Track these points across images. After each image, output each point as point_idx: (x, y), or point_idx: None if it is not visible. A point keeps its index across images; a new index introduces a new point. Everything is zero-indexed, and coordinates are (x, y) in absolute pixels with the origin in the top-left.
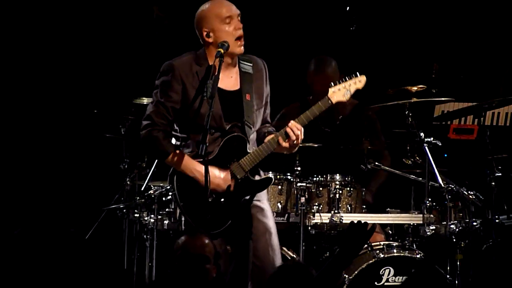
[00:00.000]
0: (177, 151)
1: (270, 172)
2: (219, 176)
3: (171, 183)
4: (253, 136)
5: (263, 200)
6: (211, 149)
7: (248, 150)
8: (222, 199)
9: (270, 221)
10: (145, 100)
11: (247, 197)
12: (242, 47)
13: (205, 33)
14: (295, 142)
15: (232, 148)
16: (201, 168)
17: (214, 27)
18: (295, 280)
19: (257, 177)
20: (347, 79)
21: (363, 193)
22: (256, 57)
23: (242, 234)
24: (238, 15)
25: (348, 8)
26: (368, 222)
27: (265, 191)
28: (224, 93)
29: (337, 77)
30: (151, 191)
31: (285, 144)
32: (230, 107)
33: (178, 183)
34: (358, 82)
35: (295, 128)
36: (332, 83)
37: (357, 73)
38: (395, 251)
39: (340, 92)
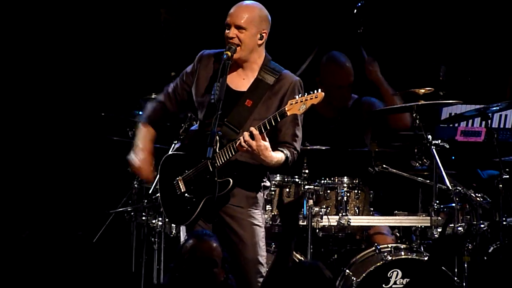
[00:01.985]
0: (148, 128)
1: (278, 175)
2: (146, 172)
3: (157, 171)
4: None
5: (244, 207)
6: (190, 142)
7: (217, 151)
8: (187, 194)
9: (246, 231)
10: (153, 96)
11: (211, 196)
12: (237, 53)
13: (264, 35)
14: (249, 149)
15: (204, 146)
16: (142, 157)
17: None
18: (310, 280)
19: (221, 179)
20: (305, 94)
21: (371, 193)
22: (290, 75)
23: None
24: (236, 25)
25: (355, 10)
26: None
27: (245, 198)
28: (227, 91)
29: (352, 74)
30: (159, 194)
31: (241, 149)
32: (224, 106)
33: (161, 174)
34: (315, 98)
35: (247, 135)
36: (291, 97)
37: (319, 90)
38: (403, 253)
39: (297, 105)
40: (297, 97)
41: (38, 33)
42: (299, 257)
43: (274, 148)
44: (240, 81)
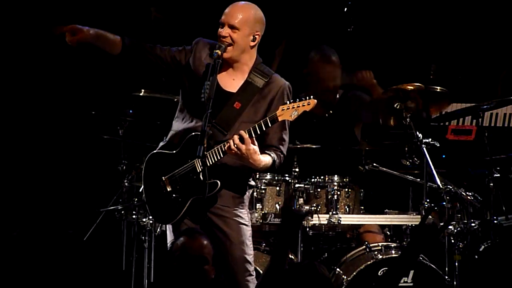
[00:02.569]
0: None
1: (268, 174)
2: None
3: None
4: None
5: (230, 207)
6: (176, 139)
7: (205, 152)
8: (174, 194)
9: (233, 230)
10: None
11: (198, 197)
12: (228, 53)
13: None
14: (238, 152)
15: (192, 146)
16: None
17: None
18: (307, 279)
19: (208, 180)
20: (297, 100)
21: (361, 192)
22: (280, 79)
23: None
24: (230, 25)
25: (345, 8)
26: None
27: (231, 198)
28: (217, 90)
29: (340, 68)
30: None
31: (229, 152)
32: (212, 105)
33: (145, 172)
34: (307, 104)
35: (236, 139)
36: (282, 103)
37: (311, 96)
38: (393, 252)
39: (288, 112)
40: (288, 103)
41: (28, 32)
42: (290, 256)
43: (261, 151)
44: (230, 81)
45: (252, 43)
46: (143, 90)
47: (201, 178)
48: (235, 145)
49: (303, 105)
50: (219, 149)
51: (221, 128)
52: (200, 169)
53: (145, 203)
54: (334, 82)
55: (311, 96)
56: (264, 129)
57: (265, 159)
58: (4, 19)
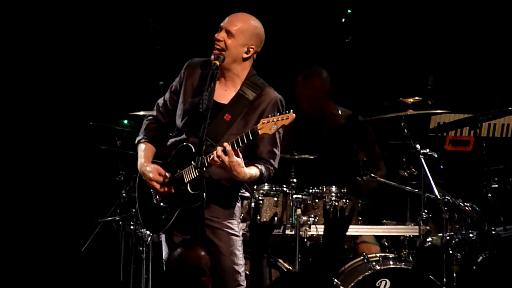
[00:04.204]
0: (148, 145)
1: (266, 184)
2: (162, 183)
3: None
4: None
5: (220, 218)
6: (172, 150)
7: (193, 163)
8: (162, 203)
9: (223, 241)
10: (142, 113)
11: (185, 208)
12: (212, 56)
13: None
14: (221, 164)
15: (181, 157)
16: (150, 168)
17: None
18: None
19: (194, 191)
20: (277, 114)
21: (360, 201)
22: (271, 91)
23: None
24: (227, 30)
25: (343, 20)
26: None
27: (221, 210)
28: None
29: (324, 88)
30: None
31: (213, 162)
32: (201, 115)
33: (138, 182)
34: (286, 118)
35: (220, 151)
36: (263, 117)
37: (291, 110)
38: (391, 263)
39: (268, 125)
40: (269, 116)
41: (28, 43)
42: (288, 267)
43: (251, 163)
44: (222, 92)
45: (245, 55)
46: (141, 112)
47: (189, 189)
48: (218, 157)
49: (282, 119)
50: (205, 160)
51: (211, 140)
52: (187, 180)
53: (137, 212)
54: (312, 102)
55: (291, 110)
56: (245, 141)
57: (251, 172)
58: (6, 31)
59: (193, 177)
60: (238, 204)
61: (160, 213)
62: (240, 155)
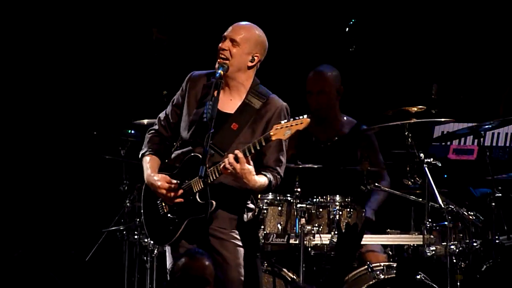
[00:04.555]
0: (152, 157)
1: (270, 194)
2: (170, 190)
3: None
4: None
5: (227, 229)
6: (177, 162)
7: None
8: (170, 214)
9: (230, 252)
10: (146, 122)
11: (193, 218)
12: (216, 64)
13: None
14: (233, 172)
15: (189, 167)
16: (158, 177)
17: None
18: None
19: (203, 200)
20: (291, 119)
21: (364, 212)
22: (277, 99)
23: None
24: (232, 39)
25: (347, 28)
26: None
27: (228, 220)
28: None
29: (335, 86)
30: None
31: (225, 171)
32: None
33: (145, 194)
34: (300, 123)
35: (232, 158)
36: (276, 123)
37: (304, 115)
38: (395, 272)
39: (282, 130)
40: (282, 122)
41: (32, 51)
42: (292, 276)
43: (257, 172)
44: (227, 102)
45: (250, 64)
46: (145, 120)
47: (198, 198)
48: (230, 164)
49: (296, 124)
50: (215, 169)
51: (219, 149)
52: (196, 190)
53: (143, 223)
54: (322, 98)
55: (305, 116)
56: (258, 148)
57: (261, 180)
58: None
59: (202, 187)
60: (245, 216)
61: (167, 224)
62: (251, 162)
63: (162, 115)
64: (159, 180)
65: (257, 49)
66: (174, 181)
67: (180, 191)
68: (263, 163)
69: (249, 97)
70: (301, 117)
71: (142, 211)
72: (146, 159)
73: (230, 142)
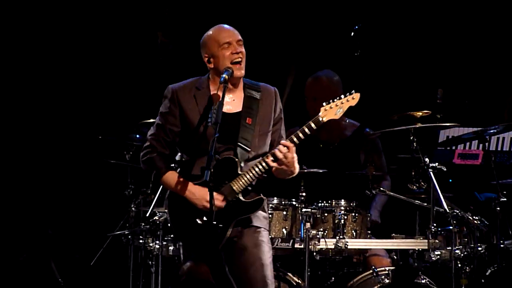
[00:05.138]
0: (172, 172)
1: (275, 198)
2: (208, 192)
3: (165, 206)
4: (254, 161)
5: (258, 227)
6: (198, 171)
7: (240, 172)
8: (214, 222)
9: (262, 250)
10: (151, 120)
11: (239, 219)
12: (242, 71)
13: (206, 59)
14: (284, 161)
15: (223, 170)
16: (194, 188)
17: (213, 52)
18: None
19: (249, 199)
20: (341, 97)
21: (369, 214)
22: (267, 86)
23: (230, 262)
24: (238, 41)
25: (352, 33)
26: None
27: (262, 218)
28: (223, 116)
29: (335, 92)
30: (156, 217)
31: (274, 164)
32: (226, 129)
33: (171, 206)
34: (352, 99)
35: (282, 147)
36: (324, 102)
37: (353, 91)
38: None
39: (332, 110)
40: (331, 101)
41: (37, 54)
42: (297, 280)
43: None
44: (232, 103)
45: None
46: (151, 119)
47: (241, 198)
48: (284, 155)
49: (348, 101)
50: (260, 164)
51: (245, 147)
52: (239, 190)
53: (177, 238)
54: (319, 101)
55: (353, 91)
56: (309, 133)
57: (297, 166)
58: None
59: (243, 186)
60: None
61: (210, 231)
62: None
63: (154, 139)
64: (200, 191)
65: None
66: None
67: (222, 197)
68: (275, 140)
69: (247, 90)
70: (349, 93)
71: (172, 225)
72: (168, 178)
73: (251, 137)
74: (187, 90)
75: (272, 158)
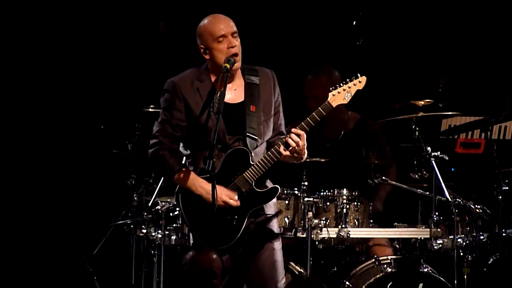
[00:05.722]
0: (183, 169)
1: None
2: (223, 191)
3: (177, 201)
4: (260, 148)
5: (268, 214)
6: (215, 164)
7: (251, 162)
8: (229, 214)
9: (274, 236)
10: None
11: (254, 209)
12: (238, 63)
13: (202, 50)
14: (296, 149)
15: (235, 162)
16: (206, 185)
17: (209, 45)
18: None
19: (263, 188)
20: (347, 81)
21: (372, 203)
22: (264, 68)
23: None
24: (232, 33)
25: (354, 22)
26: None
27: (273, 205)
28: (227, 106)
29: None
30: (158, 207)
31: (286, 153)
32: (232, 120)
33: (184, 201)
34: (358, 83)
35: (294, 135)
36: (332, 87)
37: (358, 74)
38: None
39: (340, 95)
40: (338, 87)
41: (38, 44)
42: (299, 270)
43: (273, 143)
44: (233, 93)
45: None
46: (152, 106)
47: (255, 188)
48: (296, 143)
49: (355, 85)
50: (272, 154)
51: (253, 135)
52: (252, 180)
53: (190, 231)
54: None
55: (358, 75)
56: (319, 119)
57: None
58: (17, 33)
59: (256, 176)
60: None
61: (226, 225)
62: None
63: (163, 134)
64: (227, 196)
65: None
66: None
67: (235, 194)
68: (279, 130)
69: (246, 77)
70: (355, 77)
71: (186, 220)
72: (180, 175)
73: (257, 125)
74: (188, 83)
75: (283, 147)
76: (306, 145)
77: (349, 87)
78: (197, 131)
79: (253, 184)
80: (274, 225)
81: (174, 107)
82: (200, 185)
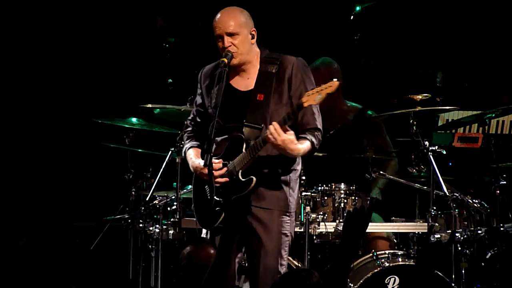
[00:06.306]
0: (194, 148)
1: None
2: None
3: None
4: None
5: (274, 209)
6: (219, 150)
7: (243, 151)
8: (216, 197)
9: (272, 239)
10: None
11: (235, 197)
12: (236, 59)
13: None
14: (275, 142)
15: (232, 149)
16: (199, 161)
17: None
18: (299, 284)
19: (245, 178)
20: (321, 85)
21: (368, 198)
22: (288, 57)
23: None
24: (228, 33)
25: (352, 17)
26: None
27: (277, 198)
28: (235, 93)
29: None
30: (156, 201)
31: (269, 140)
32: (236, 108)
33: (194, 181)
34: (329, 86)
35: (272, 128)
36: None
37: (334, 79)
38: (400, 259)
39: (313, 96)
40: (311, 88)
41: (34, 39)
42: (297, 264)
43: (298, 138)
44: (245, 82)
45: (252, 41)
46: (150, 105)
47: (240, 177)
48: (272, 136)
49: (326, 88)
50: (256, 143)
51: (255, 125)
52: (238, 168)
53: (193, 211)
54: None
55: (334, 79)
56: (292, 117)
57: (304, 146)
58: (12, 27)
59: (243, 164)
60: (294, 195)
61: (213, 206)
62: (292, 132)
63: (189, 118)
64: (200, 163)
65: (250, 24)
66: (217, 161)
67: (224, 170)
68: (301, 126)
69: (263, 65)
70: (331, 80)
71: (192, 200)
72: (189, 152)
73: (262, 114)
74: (209, 72)
75: (263, 137)
76: (291, 140)
77: (321, 90)
78: (207, 120)
79: (240, 172)
80: (274, 218)
81: (197, 93)
82: (192, 164)
